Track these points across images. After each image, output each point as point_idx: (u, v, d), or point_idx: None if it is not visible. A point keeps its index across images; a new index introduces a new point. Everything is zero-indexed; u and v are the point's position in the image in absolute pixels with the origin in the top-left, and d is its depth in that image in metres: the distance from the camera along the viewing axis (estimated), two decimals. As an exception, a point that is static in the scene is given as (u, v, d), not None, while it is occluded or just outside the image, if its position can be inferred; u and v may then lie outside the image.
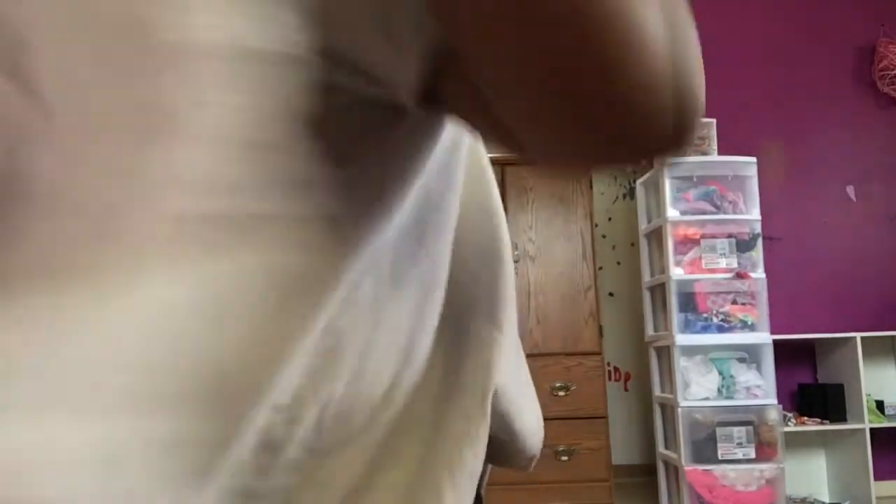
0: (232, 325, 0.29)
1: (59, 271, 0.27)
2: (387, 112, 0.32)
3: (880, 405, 3.56)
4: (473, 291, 0.45)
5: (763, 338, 3.23)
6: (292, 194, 0.30)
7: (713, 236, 3.29)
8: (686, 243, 3.30)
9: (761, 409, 3.15)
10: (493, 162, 0.54)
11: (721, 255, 3.28)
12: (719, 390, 3.19)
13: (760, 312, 3.24)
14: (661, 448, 3.48)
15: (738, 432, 3.13)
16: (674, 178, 3.37)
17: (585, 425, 3.68)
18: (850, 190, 3.86)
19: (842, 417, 3.48)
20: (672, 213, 3.32)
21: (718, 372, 3.21)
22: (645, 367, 3.95)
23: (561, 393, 3.70)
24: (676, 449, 3.20)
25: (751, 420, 3.14)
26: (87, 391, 0.27)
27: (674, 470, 3.30)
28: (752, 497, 3.09)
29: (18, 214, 0.27)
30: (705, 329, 3.23)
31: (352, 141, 0.31)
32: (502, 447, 0.48)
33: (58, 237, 0.27)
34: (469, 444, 0.40)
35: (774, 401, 3.18)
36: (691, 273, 3.27)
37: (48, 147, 0.27)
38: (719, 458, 3.11)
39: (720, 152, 3.49)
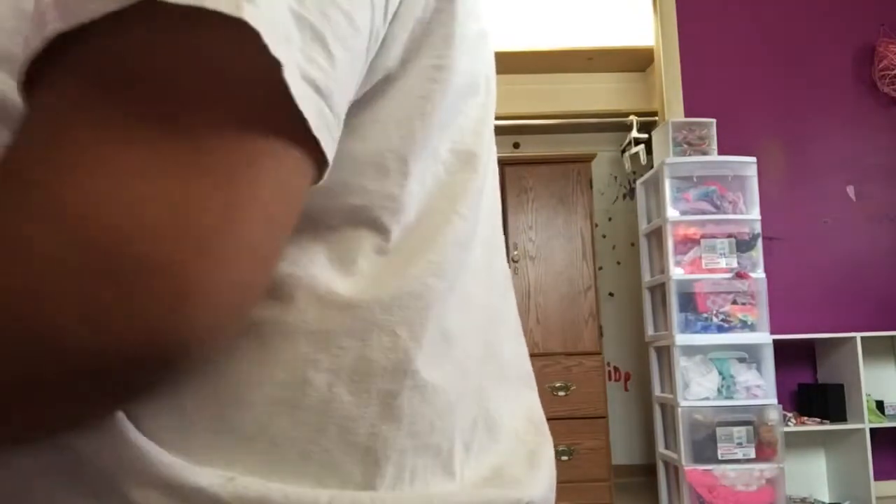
0: None
1: None
2: None
3: (880, 405, 3.56)
4: None
5: (763, 338, 3.23)
6: None
7: (713, 236, 3.29)
8: (686, 243, 3.30)
9: (761, 409, 3.15)
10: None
11: (721, 255, 3.28)
12: (719, 390, 3.19)
13: (760, 312, 3.24)
14: (661, 448, 3.48)
15: (738, 432, 3.13)
16: (674, 178, 3.37)
17: (585, 425, 3.68)
18: (850, 190, 3.86)
19: (842, 417, 3.48)
20: (672, 213, 3.32)
21: (718, 372, 3.21)
22: (645, 367, 3.95)
23: (561, 393, 3.70)
24: (676, 449, 3.20)
25: (751, 420, 3.14)
26: None
27: (674, 470, 3.30)
28: (752, 497, 3.09)
29: None
30: (705, 329, 3.23)
31: None
32: None
33: None
34: None
35: (774, 401, 3.18)
36: (691, 273, 3.27)
37: None
38: (719, 458, 3.11)
39: (720, 152, 3.49)
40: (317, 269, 0.38)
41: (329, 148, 0.33)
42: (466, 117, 0.45)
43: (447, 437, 0.42)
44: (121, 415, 0.35)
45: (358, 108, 0.38)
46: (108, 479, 0.36)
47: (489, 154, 0.48)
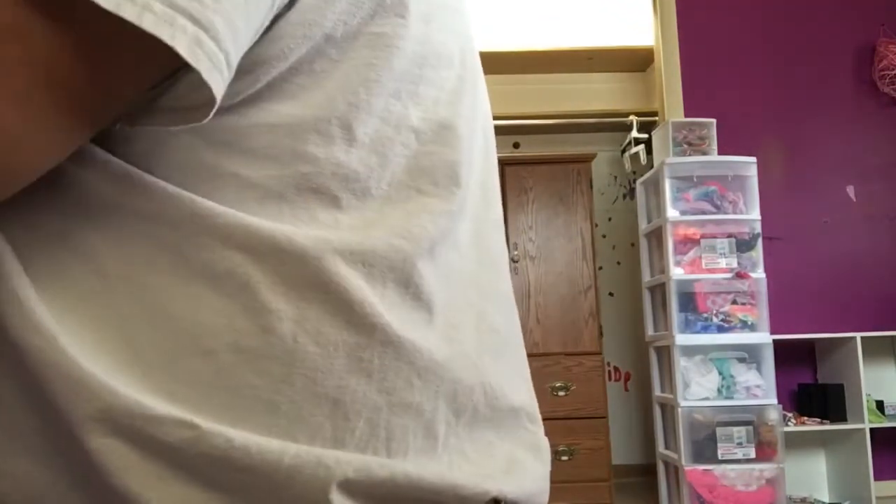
0: None
1: None
2: None
3: (880, 405, 3.56)
4: None
5: (763, 338, 3.23)
6: None
7: (713, 236, 3.29)
8: (686, 243, 3.30)
9: (761, 409, 3.15)
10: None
11: (721, 254, 3.27)
12: (719, 390, 3.18)
13: (760, 312, 3.24)
14: (661, 448, 3.48)
15: (738, 432, 3.13)
16: (674, 178, 3.37)
17: (585, 425, 3.68)
18: (850, 190, 3.86)
19: (842, 417, 3.48)
20: (672, 213, 3.32)
21: (718, 372, 3.21)
22: (645, 367, 3.95)
23: (561, 393, 3.70)
24: (676, 449, 3.20)
25: (751, 420, 3.14)
26: None
27: (674, 470, 3.30)
28: (752, 497, 3.09)
29: None
30: (705, 329, 3.23)
31: None
32: None
33: None
34: None
35: (774, 401, 3.18)
36: (691, 273, 3.27)
37: None
38: (719, 458, 3.11)
39: (720, 152, 3.49)
40: (278, 224, 0.38)
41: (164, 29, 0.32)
42: (439, 88, 0.45)
43: (429, 398, 0.42)
44: (69, 350, 0.35)
45: (298, 73, 0.38)
46: (69, 429, 0.36)
47: (470, 128, 0.48)
